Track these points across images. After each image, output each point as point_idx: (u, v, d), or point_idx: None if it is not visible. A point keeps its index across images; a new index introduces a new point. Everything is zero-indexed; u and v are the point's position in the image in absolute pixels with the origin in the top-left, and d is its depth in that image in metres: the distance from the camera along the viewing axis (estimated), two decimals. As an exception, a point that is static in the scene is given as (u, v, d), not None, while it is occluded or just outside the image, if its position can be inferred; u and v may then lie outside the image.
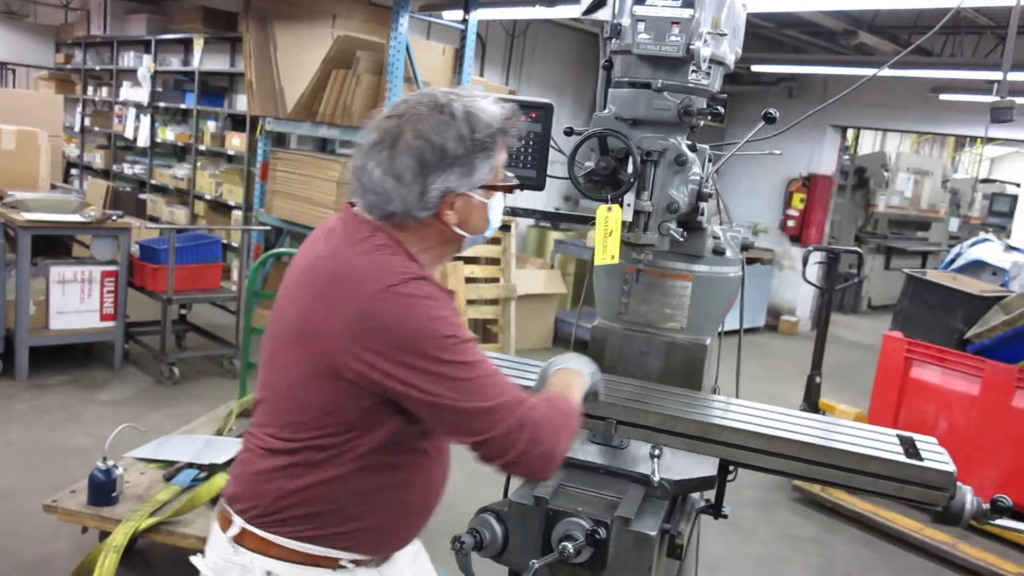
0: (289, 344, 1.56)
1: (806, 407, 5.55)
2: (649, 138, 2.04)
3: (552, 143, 2.27)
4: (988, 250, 6.04)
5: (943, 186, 13.48)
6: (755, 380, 2.66)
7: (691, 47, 1.93)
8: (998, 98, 2.27)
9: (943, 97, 8.45)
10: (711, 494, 2.22)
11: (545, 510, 1.84)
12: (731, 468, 2.14)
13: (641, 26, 1.96)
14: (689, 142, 2.12)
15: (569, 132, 2.23)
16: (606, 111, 2.14)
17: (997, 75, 6.71)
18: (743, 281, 2.52)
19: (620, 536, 1.80)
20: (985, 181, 16.70)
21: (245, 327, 4.30)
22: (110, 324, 5.71)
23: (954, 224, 14.03)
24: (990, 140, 7.98)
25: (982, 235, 6.87)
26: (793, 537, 4.59)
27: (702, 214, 2.24)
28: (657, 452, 2.01)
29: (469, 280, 6.77)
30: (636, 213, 2.06)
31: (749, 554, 4.33)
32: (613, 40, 2.09)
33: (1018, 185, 15.79)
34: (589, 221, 2.24)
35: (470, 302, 6.72)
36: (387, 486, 1.60)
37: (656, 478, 1.96)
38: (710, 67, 2.06)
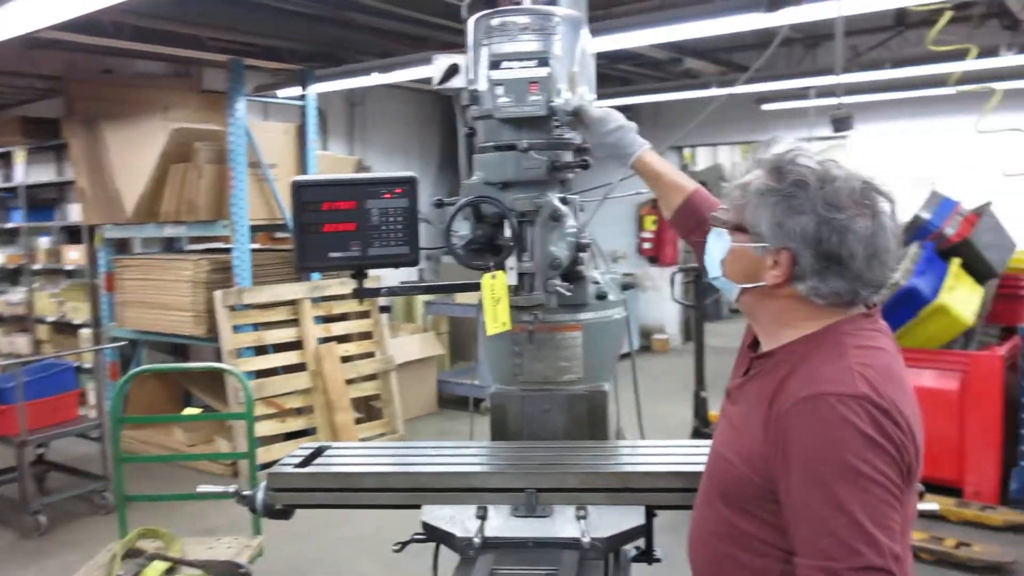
0: None
1: (698, 424, 5.68)
2: (522, 199, 2.03)
3: (420, 215, 2.22)
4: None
5: (777, 186, 14.30)
6: (642, 403, 2.66)
7: (552, 104, 1.94)
8: (836, 109, 2.39)
9: (765, 107, 8.99)
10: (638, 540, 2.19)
11: (485, 601, 1.75)
12: (655, 512, 2.11)
13: (500, 90, 1.96)
14: (560, 196, 2.12)
15: (439, 204, 2.18)
16: (474, 178, 2.11)
17: (810, 81, 7.27)
18: (628, 321, 2.53)
19: (567, 610, 1.73)
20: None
21: (115, 456, 3.96)
22: (-41, 482, 5.17)
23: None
24: (816, 139, 8.56)
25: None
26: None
27: (581, 264, 2.25)
28: (583, 513, 1.96)
29: (345, 359, 6.57)
30: (520, 275, 2.05)
31: (670, 582, 4.31)
32: (472, 107, 2.07)
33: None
34: (473, 288, 2.20)
35: (349, 381, 6.53)
36: None
37: (587, 539, 1.91)
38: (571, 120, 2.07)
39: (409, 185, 2.21)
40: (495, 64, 2.02)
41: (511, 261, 2.04)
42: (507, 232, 2.02)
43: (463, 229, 2.09)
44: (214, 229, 6.23)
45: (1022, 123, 3.84)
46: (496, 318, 2.00)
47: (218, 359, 5.93)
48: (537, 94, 1.98)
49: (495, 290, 2.00)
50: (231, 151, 6.07)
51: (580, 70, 2.11)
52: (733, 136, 10.40)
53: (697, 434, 5.52)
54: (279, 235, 7.40)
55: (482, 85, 2.06)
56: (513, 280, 2.04)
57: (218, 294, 5.87)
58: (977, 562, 4.36)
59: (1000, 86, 4.10)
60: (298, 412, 6.31)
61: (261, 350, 6.20)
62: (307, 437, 6.19)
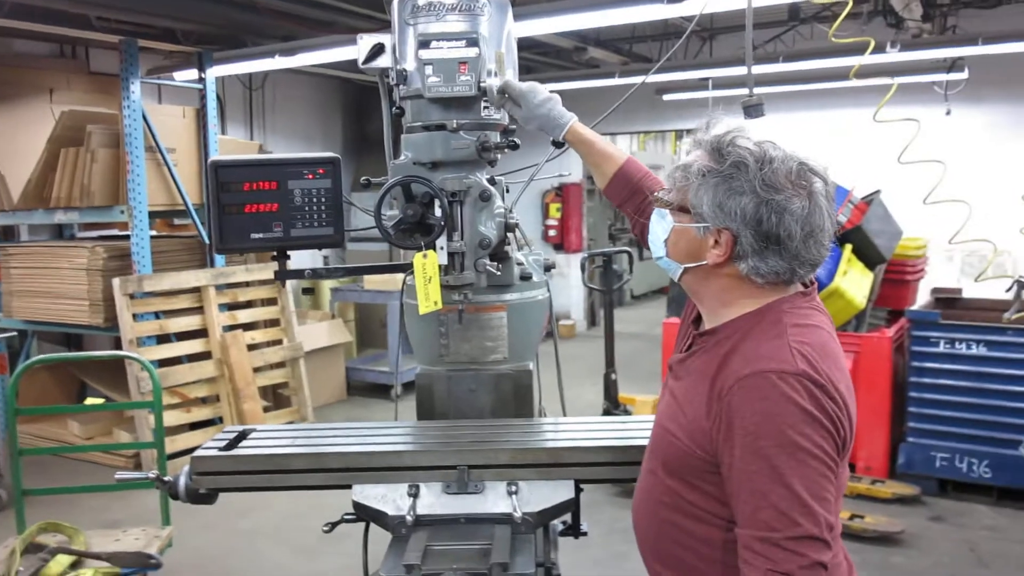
0: None
1: (608, 404, 5.80)
2: (451, 179, 2.05)
3: (344, 197, 2.21)
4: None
5: (676, 176, 14.71)
6: (553, 387, 2.70)
7: (482, 84, 1.95)
8: (747, 96, 2.49)
9: (665, 97, 9.21)
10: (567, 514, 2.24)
11: (420, 577, 1.76)
12: (582, 486, 2.17)
13: (429, 69, 1.96)
14: (488, 176, 2.14)
15: (367, 184, 2.17)
16: (402, 158, 2.11)
17: (707, 72, 7.50)
18: (551, 302, 2.58)
19: (502, 583, 1.76)
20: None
21: (11, 450, 3.78)
22: None
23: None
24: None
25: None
26: (623, 531, 4.72)
27: (508, 244, 2.27)
28: (514, 488, 1.99)
29: (252, 347, 6.43)
30: (450, 255, 2.06)
31: (586, 557, 4.40)
32: (400, 87, 2.07)
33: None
34: (402, 269, 2.19)
35: (256, 370, 6.39)
36: None
37: (518, 514, 1.94)
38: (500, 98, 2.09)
39: (332, 166, 2.19)
40: (424, 44, 2.02)
41: (441, 240, 2.04)
42: (437, 212, 2.03)
43: (391, 209, 2.09)
44: (110, 215, 5.98)
45: (910, 114, 4.09)
46: (428, 297, 2.01)
47: (117, 349, 5.72)
48: (467, 74, 1.99)
49: (426, 269, 2.01)
50: (127, 135, 5.84)
51: (507, 51, 2.13)
52: (634, 126, 10.64)
53: (608, 415, 5.64)
54: (179, 221, 7.16)
55: (410, 65, 2.06)
56: (443, 259, 2.05)
57: (117, 282, 5.64)
58: (870, 532, 4.62)
59: (894, 80, 4.35)
60: (203, 401, 6.14)
61: (164, 339, 5.99)
62: (213, 427, 6.03)
